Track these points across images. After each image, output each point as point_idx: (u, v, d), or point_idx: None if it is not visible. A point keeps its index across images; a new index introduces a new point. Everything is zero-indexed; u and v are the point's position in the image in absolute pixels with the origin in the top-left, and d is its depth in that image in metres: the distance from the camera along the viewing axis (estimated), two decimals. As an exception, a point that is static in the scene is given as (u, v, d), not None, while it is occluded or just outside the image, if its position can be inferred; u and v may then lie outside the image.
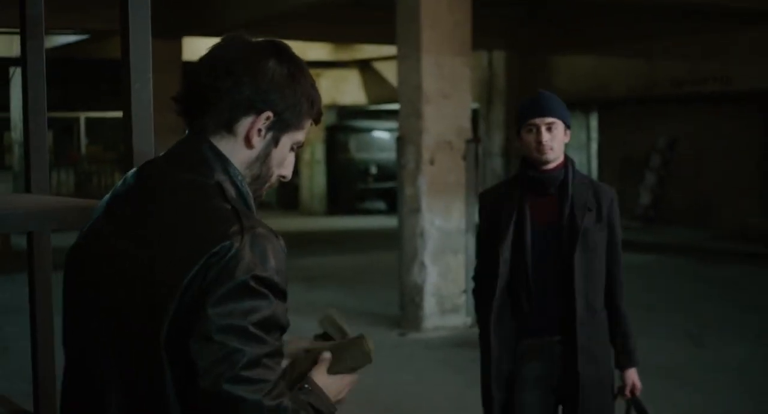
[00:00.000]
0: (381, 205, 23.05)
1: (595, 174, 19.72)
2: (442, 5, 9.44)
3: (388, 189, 20.48)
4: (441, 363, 8.06)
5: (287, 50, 1.94)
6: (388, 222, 17.24)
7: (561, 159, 3.86)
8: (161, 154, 1.94)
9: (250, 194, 1.89)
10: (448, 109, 9.49)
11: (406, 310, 9.55)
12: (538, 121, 3.81)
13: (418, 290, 9.38)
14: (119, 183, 1.96)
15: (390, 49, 12.05)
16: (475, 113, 16.27)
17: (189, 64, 17.19)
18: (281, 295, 1.77)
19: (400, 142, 9.68)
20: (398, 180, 9.77)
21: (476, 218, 4.21)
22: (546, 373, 3.88)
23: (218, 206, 1.79)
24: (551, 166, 3.83)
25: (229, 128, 1.87)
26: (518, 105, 4.00)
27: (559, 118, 3.82)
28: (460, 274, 9.49)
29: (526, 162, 3.90)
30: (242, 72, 1.86)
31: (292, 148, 1.96)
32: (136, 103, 2.31)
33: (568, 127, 3.87)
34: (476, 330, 4.05)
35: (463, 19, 9.61)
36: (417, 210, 9.42)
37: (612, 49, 17.31)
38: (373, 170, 22.70)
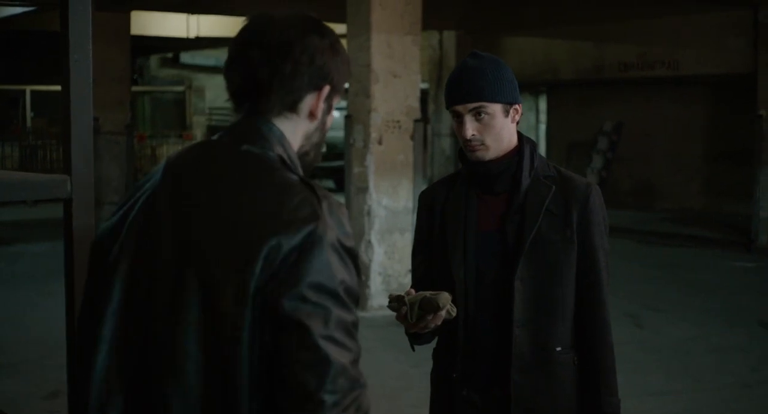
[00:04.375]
0: (330, 183, 23.01)
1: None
2: (393, -16, 9.42)
3: (337, 167, 20.40)
4: (386, 342, 8.08)
5: (321, 22, 2.02)
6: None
7: (513, 144, 2.86)
8: (221, 132, 2.01)
9: (300, 169, 1.97)
10: (398, 88, 9.48)
11: (352, 289, 9.55)
12: (459, 108, 2.81)
13: (365, 269, 9.39)
14: (173, 155, 2.04)
15: (341, 28, 11.98)
16: (424, 93, 16.31)
17: (137, 39, 17.03)
18: (356, 260, 1.87)
19: (349, 120, 9.66)
20: (346, 159, 9.75)
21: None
22: None
23: (288, 176, 1.88)
24: (494, 157, 2.84)
25: (293, 108, 1.96)
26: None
27: (491, 99, 2.78)
28: (406, 254, 9.51)
29: (463, 152, 2.92)
30: (299, 53, 1.92)
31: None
32: (74, 75, 2.27)
33: (512, 103, 2.84)
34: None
35: (414, -2, 9.60)
36: (364, 189, 9.42)
37: (562, 32, 17.40)
38: (323, 149, 22.62)
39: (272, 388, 1.78)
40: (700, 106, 17.45)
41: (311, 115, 1.99)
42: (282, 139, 1.95)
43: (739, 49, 14.92)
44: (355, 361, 1.80)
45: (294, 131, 1.99)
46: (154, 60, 26.73)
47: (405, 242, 9.49)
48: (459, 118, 2.82)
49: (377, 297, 9.31)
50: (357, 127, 9.48)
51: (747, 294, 10.53)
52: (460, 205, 2.89)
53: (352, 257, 1.86)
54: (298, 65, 1.92)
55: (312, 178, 1.96)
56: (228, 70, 1.98)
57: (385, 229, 9.45)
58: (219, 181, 1.90)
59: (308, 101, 1.97)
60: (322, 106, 1.99)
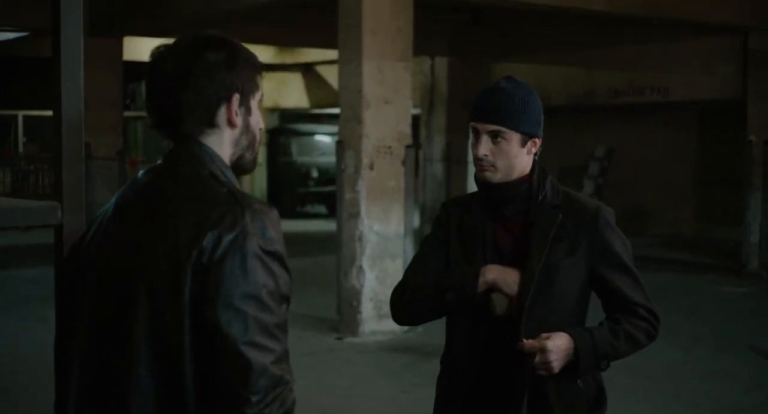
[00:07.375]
0: (322, 208, 23.00)
1: (534, 181, 19.87)
2: (385, 10, 9.45)
3: (329, 193, 20.44)
4: (376, 368, 8.07)
5: (215, 36, 2.14)
6: (329, 226, 17.21)
7: (525, 173, 2.86)
8: (163, 157, 2.18)
9: (234, 181, 2.12)
10: (389, 114, 9.51)
11: (343, 314, 9.55)
12: (478, 125, 2.81)
13: (356, 294, 9.38)
14: (125, 186, 2.21)
15: (333, 53, 12.04)
16: (416, 119, 16.35)
17: (130, 65, 17.09)
18: (283, 263, 1.99)
19: (340, 146, 9.68)
20: (337, 184, 9.77)
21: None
22: None
23: (217, 190, 2.03)
24: (501, 181, 2.83)
25: (210, 124, 2.10)
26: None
27: (511, 127, 2.79)
28: (397, 279, 9.38)
29: None
30: (197, 77, 2.06)
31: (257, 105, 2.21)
32: (66, 102, 2.28)
33: (532, 136, 2.86)
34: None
35: (405, 24, 9.63)
36: (356, 214, 9.43)
37: (553, 58, 17.47)
38: (315, 174, 22.66)
39: (206, 388, 1.95)
40: (691, 132, 17.52)
41: (230, 123, 2.12)
42: (213, 157, 2.10)
43: (729, 75, 15.00)
44: (278, 360, 1.94)
45: (221, 143, 2.13)
46: (146, 85, 26.77)
47: (396, 268, 9.48)
48: (476, 134, 2.82)
49: (368, 322, 9.29)
50: (348, 152, 9.50)
51: (738, 319, 10.54)
52: (479, 224, 2.87)
53: (278, 259, 1.98)
54: (198, 88, 2.07)
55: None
56: (146, 108, 2.15)
57: (377, 255, 9.45)
58: (158, 202, 2.05)
59: (222, 113, 2.11)
60: (237, 112, 2.12)
